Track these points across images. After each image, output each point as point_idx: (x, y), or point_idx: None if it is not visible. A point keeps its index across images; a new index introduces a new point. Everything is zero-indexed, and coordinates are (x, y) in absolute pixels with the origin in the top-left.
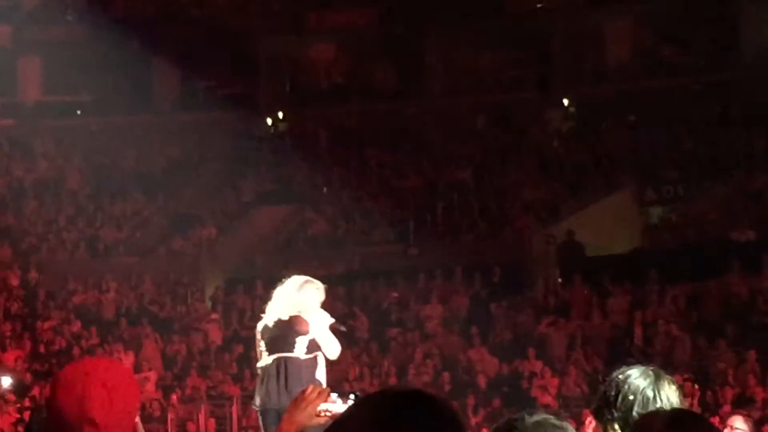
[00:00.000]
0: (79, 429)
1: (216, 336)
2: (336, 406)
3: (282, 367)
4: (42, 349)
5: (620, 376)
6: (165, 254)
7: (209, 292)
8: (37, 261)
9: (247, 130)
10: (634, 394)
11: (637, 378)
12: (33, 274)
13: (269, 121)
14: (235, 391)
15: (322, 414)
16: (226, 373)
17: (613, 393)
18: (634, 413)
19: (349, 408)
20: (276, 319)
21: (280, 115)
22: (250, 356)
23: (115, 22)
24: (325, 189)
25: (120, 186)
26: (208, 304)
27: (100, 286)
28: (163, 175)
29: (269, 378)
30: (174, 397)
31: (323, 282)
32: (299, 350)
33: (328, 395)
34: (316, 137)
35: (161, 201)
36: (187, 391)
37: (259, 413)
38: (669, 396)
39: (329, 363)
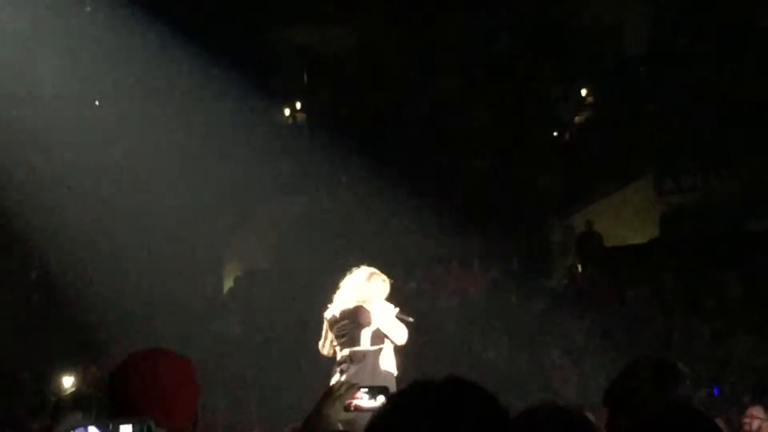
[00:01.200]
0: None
1: (234, 327)
2: (365, 401)
3: (348, 360)
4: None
5: (633, 369)
6: (183, 245)
7: (227, 283)
8: (55, 252)
9: (264, 120)
10: (646, 387)
11: (648, 370)
12: (51, 265)
13: (287, 111)
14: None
15: (351, 409)
16: (244, 364)
17: (625, 384)
18: (650, 400)
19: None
20: (342, 309)
21: (298, 105)
22: (270, 347)
23: (130, 14)
24: (342, 179)
25: (136, 177)
26: (226, 294)
27: (118, 277)
28: (179, 166)
29: (338, 370)
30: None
31: (339, 272)
32: (364, 342)
33: (358, 390)
34: (335, 126)
35: (178, 192)
36: (204, 383)
37: None
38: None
39: (400, 349)
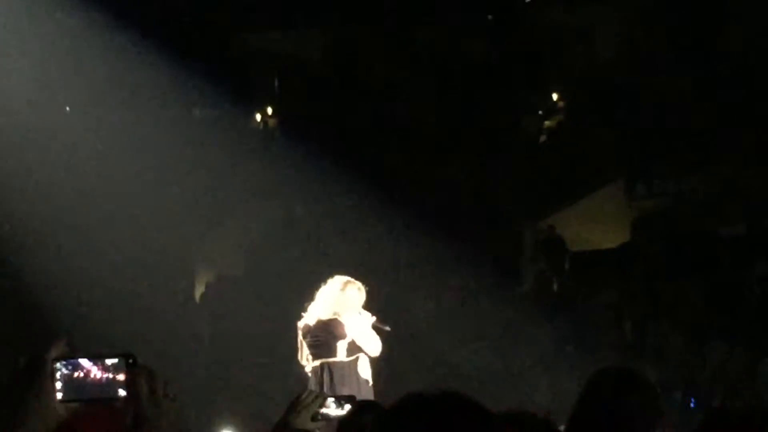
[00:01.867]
0: None
1: (205, 332)
2: (332, 410)
3: (326, 371)
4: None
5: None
6: (154, 251)
7: (199, 288)
8: (27, 260)
9: (235, 125)
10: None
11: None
12: (25, 274)
13: (258, 116)
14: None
15: (318, 418)
16: (216, 369)
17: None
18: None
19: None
20: (316, 320)
21: (269, 110)
22: (242, 353)
23: (101, 20)
24: (315, 185)
25: (106, 184)
26: (198, 301)
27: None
28: (151, 172)
29: (314, 381)
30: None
31: (312, 277)
32: (340, 354)
33: (325, 400)
34: (306, 133)
35: (149, 199)
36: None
37: None
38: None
39: (375, 360)
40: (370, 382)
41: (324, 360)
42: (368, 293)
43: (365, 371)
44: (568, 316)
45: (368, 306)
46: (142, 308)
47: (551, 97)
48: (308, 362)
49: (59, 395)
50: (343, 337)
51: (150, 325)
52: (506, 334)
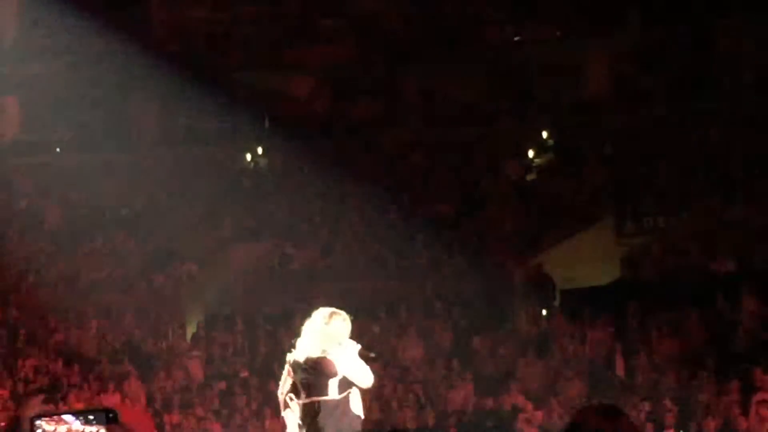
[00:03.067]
0: None
1: (197, 372)
2: None
3: (316, 409)
4: (22, 388)
5: (578, 414)
6: (145, 291)
7: (190, 328)
8: (17, 300)
9: (226, 165)
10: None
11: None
12: (13, 313)
13: (248, 156)
14: (216, 427)
15: None
16: (208, 410)
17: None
18: None
19: None
20: (306, 357)
21: (260, 150)
22: (234, 391)
23: (91, 59)
24: (305, 224)
25: (99, 223)
26: (189, 340)
27: (80, 324)
28: (142, 211)
29: (308, 417)
30: None
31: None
32: (332, 392)
33: None
34: (296, 171)
35: (141, 237)
36: (170, 429)
37: None
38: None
39: (367, 393)
40: (362, 416)
41: (315, 398)
42: (360, 330)
43: (357, 406)
44: (560, 354)
45: (355, 337)
46: (134, 345)
47: (540, 135)
48: (295, 398)
49: None
50: (334, 375)
51: (142, 364)
52: (497, 372)
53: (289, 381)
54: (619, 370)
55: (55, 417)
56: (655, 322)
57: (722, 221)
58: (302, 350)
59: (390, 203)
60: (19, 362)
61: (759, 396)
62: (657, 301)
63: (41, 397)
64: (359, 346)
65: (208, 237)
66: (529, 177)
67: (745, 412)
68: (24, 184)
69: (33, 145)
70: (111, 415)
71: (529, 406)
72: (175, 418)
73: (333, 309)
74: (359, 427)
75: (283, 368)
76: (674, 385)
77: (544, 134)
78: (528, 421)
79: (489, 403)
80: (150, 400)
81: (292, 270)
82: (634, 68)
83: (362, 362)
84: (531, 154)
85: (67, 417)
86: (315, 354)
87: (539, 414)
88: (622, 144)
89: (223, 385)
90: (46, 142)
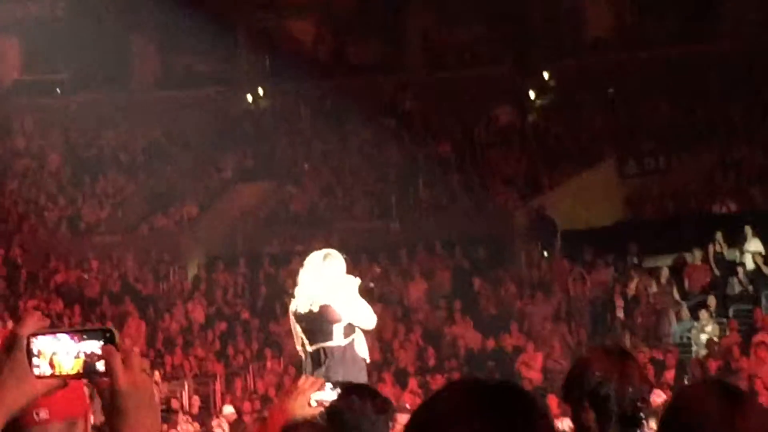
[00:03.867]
0: None
1: (198, 314)
2: (328, 394)
3: (323, 356)
4: None
5: (586, 356)
6: (146, 232)
7: (191, 269)
8: (19, 240)
9: (227, 106)
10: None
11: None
12: (14, 254)
13: (250, 97)
14: (218, 368)
15: (315, 404)
16: (209, 351)
17: (580, 373)
18: (603, 392)
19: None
20: (308, 305)
21: (261, 91)
22: (235, 332)
23: (92, 1)
24: (306, 165)
25: (100, 164)
26: (190, 281)
27: (81, 264)
28: (143, 153)
29: (312, 366)
30: (157, 374)
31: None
32: (338, 338)
33: (322, 386)
34: (297, 113)
35: (142, 179)
36: (170, 369)
37: None
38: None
39: (371, 334)
40: (368, 359)
41: (321, 345)
42: (361, 271)
43: (362, 350)
44: (561, 294)
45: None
46: (135, 288)
47: (542, 76)
48: (303, 347)
49: (36, 371)
50: (338, 321)
51: (143, 305)
52: (499, 313)
53: (299, 331)
54: (620, 311)
55: (49, 336)
56: (656, 263)
57: (723, 162)
58: (302, 299)
59: (391, 145)
60: (21, 303)
61: (759, 337)
62: (657, 242)
63: (38, 313)
64: (359, 280)
65: (208, 179)
66: (531, 118)
67: (746, 353)
68: (25, 125)
69: (34, 85)
70: (108, 334)
71: (530, 346)
72: (177, 358)
73: (325, 250)
74: (365, 371)
75: (283, 310)
76: (675, 326)
77: (545, 75)
78: (528, 363)
79: (490, 343)
80: (151, 341)
81: (293, 211)
82: (634, 9)
83: (364, 301)
84: (532, 95)
85: (62, 337)
86: (316, 301)
87: (539, 355)
88: (623, 85)
89: (224, 326)
90: (47, 82)
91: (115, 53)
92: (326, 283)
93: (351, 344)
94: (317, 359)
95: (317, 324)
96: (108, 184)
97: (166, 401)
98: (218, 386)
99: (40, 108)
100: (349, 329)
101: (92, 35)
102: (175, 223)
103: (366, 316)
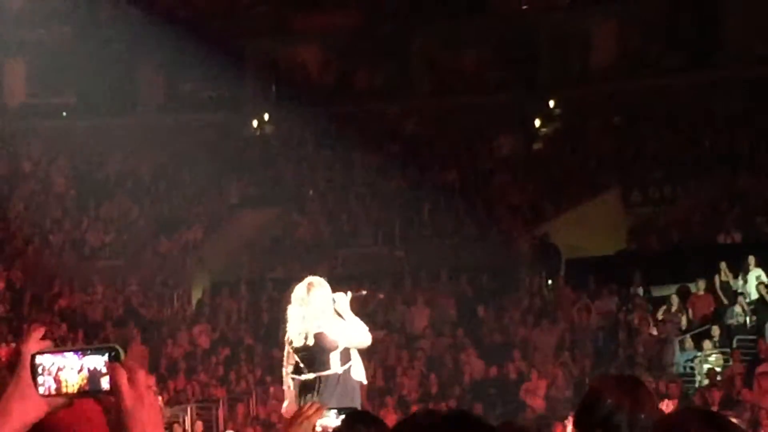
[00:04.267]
0: None
1: (202, 339)
2: (332, 422)
3: (318, 384)
4: None
5: (598, 385)
6: (151, 257)
7: (195, 294)
8: (23, 264)
9: (232, 132)
10: (622, 407)
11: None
12: (18, 277)
13: (255, 123)
14: (221, 393)
15: (319, 430)
16: (212, 376)
17: (592, 401)
18: (615, 420)
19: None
20: (302, 343)
21: (266, 116)
22: (238, 358)
23: (100, 24)
24: (310, 191)
25: (106, 188)
26: (194, 306)
27: (86, 288)
28: (148, 178)
29: (309, 393)
30: (160, 399)
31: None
32: (335, 365)
33: (325, 412)
34: (302, 139)
35: (147, 203)
36: (174, 394)
37: None
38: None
39: (374, 359)
40: (365, 381)
41: (319, 374)
42: (365, 299)
43: (359, 374)
44: (564, 323)
45: (365, 311)
46: (139, 312)
47: (547, 104)
48: (296, 374)
49: (41, 389)
50: (334, 348)
51: (147, 330)
52: (502, 341)
53: (292, 359)
54: (623, 341)
55: (54, 355)
56: (660, 293)
57: (728, 192)
58: (295, 334)
59: (396, 172)
60: (24, 326)
61: (762, 367)
62: (662, 272)
63: (42, 330)
64: (348, 295)
65: (213, 204)
66: (536, 146)
67: (749, 384)
68: (31, 148)
69: (40, 108)
70: (113, 353)
71: (534, 374)
72: (180, 383)
73: (307, 280)
74: (359, 396)
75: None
76: (678, 356)
77: (551, 103)
78: (532, 391)
79: (493, 371)
80: (154, 366)
81: (298, 237)
82: (640, 37)
83: (356, 318)
84: (537, 123)
85: (68, 354)
86: (309, 332)
87: (543, 383)
88: (629, 113)
89: (227, 351)
90: (53, 105)
91: (122, 77)
92: (315, 312)
93: (347, 371)
94: (311, 387)
95: (314, 354)
96: (113, 208)
97: (169, 426)
98: (221, 412)
99: (46, 131)
100: (346, 355)
101: (98, 59)
102: (180, 248)
103: (360, 335)
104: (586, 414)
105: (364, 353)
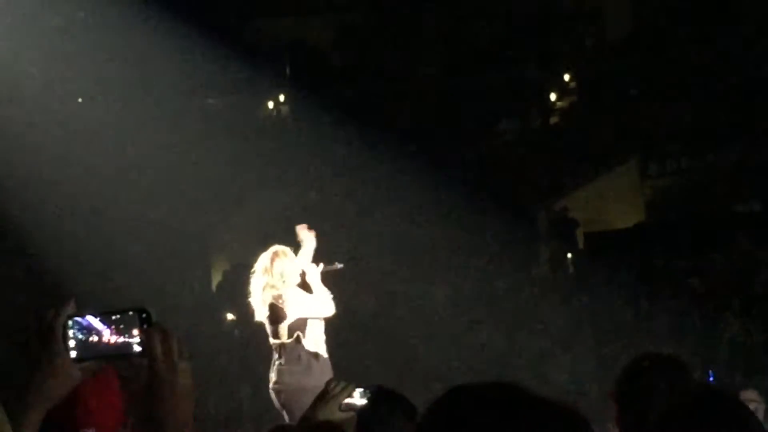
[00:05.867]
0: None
1: (222, 321)
2: (358, 400)
3: (278, 353)
4: None
5: (640, 364)
6: (169, 240)
7: (215, 277)
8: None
9: (248, 113)
10: (654, 381)
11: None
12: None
13: (270, 104)
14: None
15: (345, 409)
16: (233, 358)
17: (633, 380)
18: (658, 387)
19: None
20: (262, 313)
21: (282, 98)
22: (258, 341)
23: (110, 10)
24: (329, 171)
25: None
26: (214, 288)
27: (105, 273)
28: (165, 162)
29: (275, 365)
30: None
31: (331, 261)
32: (283, 336)
33: (352, 390)
34: (319, 119)
35: (165, 187)
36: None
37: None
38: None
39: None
40: (323, 354)
41: (274, 342)
42: (384, 273)
43: (313, 345)
44: (584, 297)
45: (375, 284)
46: (159, 296)
47: (562, 78)
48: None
49: (73, 354)
50: (282, 319)
51: (166, 314)
52: (522, 316)
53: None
54: (644, 313)
55: (84, 320)
56: (679, 264)
57: (746, 162)
58: (256, 301)
59: (413, 148)
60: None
61: None
62: (681, 243)
63: (73, 299)
64: (321, 266)
65: (231, 186)
66: (552, 120)
67: None
68: (48, 133)
69: (57, 95)
70: (144, 315)
71: (555, 349)
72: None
73: (273, 248)
74: (327, 366)
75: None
76: (699, 327)
77: (566, 77)
78: (552, 366)
79: (514, 347)
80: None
81: (316, 217)
82: (654, 9)
83: (324, 289)
84: (553, 97)
85: (99, 317)
86: (267, 300)
87: (565, 358)
88: (645, 85)
89: (248, 333)
90: (69, 91)
91: (134, 62)
92: (276, 282)
93: (296, 341)
94: (271, 356)
95: (270, 324)
96: (129, 191)
97: None
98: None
99: (63, 118)
100: (294, 326)
101: (113, 44)
102: (198, 231)
103: (321, 306)
104: (624, 389)
105: (387, 329)
